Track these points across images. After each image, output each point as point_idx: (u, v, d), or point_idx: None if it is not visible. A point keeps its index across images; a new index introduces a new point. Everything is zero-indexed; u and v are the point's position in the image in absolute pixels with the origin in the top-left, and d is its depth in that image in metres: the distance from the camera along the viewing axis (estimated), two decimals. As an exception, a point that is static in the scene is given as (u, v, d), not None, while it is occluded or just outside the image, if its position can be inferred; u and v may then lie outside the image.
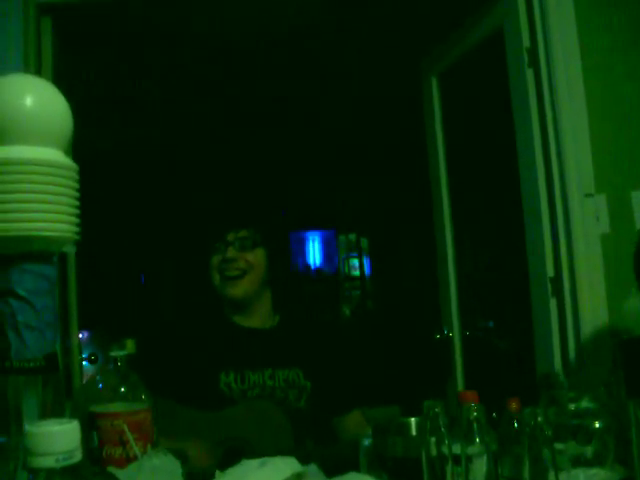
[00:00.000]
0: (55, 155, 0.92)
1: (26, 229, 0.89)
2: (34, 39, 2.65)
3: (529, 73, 2.78)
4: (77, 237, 0.95)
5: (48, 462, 0.65)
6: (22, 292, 0.87)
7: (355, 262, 7.87)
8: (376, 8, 3.94)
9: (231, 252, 2.24)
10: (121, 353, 1.52)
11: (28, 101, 0.92)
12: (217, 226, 2.30)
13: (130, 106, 5.41)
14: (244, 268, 2.24)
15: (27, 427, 0.64)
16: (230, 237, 2.25)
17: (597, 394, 1.29)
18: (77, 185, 0.95)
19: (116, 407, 1.45)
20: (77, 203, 0.96)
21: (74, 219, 0.95)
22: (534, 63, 2.77)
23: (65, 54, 2.90)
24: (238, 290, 2.25)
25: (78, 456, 0.65)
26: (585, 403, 1.24)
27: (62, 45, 2.87)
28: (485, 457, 1.12)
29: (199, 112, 5.65)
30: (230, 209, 2.45)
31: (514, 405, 1.28)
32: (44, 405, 0.89)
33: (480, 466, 1.12)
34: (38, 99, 0.92)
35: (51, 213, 0.90)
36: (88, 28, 3.53)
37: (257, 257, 2.27)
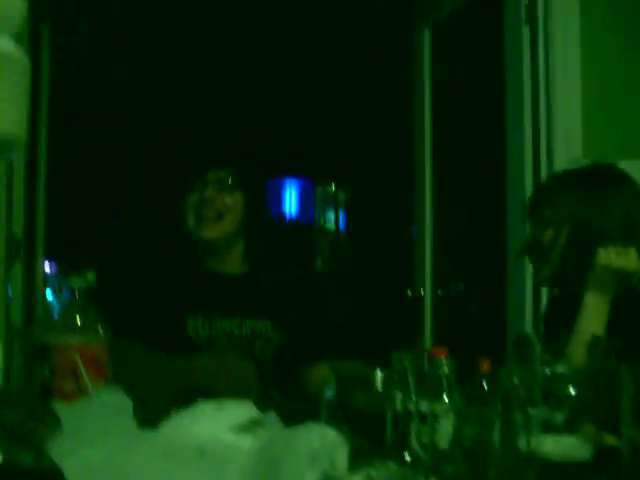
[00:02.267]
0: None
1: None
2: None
3: (525, 30, 2.71)
4: (24, 138, 0.85)
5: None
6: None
7: (331, 215, 7.80)
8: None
9: (210, 191, 2.15)
10: (80, 284, 1.45)
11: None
12: (196, 164, 2.22)
13: (118, 35, 5.28)
14: (221, 210, 2.16)
15: None
16: (210, 176, 2.16)
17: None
18: (26, 80, 0.83)
19: (70, 338, 1.39)
20: (22, 100, 0.83)
21: (21, 116, 0.83)
22: (531, 20, 2.69)
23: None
24: (213, 232, 2.17)
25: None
26: (560, 368, 1.19)
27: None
28: (452, 416, 1.07)
29: (186, 49, 5.53)
30: (211, 148, 2.36)
31: (485, 365, 1.23)
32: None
33: (446, 425, 1.07)
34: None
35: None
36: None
37: (235, 200, 2.19)
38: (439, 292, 3.51)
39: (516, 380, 0.93)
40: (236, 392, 1.83)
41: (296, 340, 2.20)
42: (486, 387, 1.21)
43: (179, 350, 2.01)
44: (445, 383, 1.05)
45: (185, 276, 2.21)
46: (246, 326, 2.15)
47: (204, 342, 2.10)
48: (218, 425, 1.12)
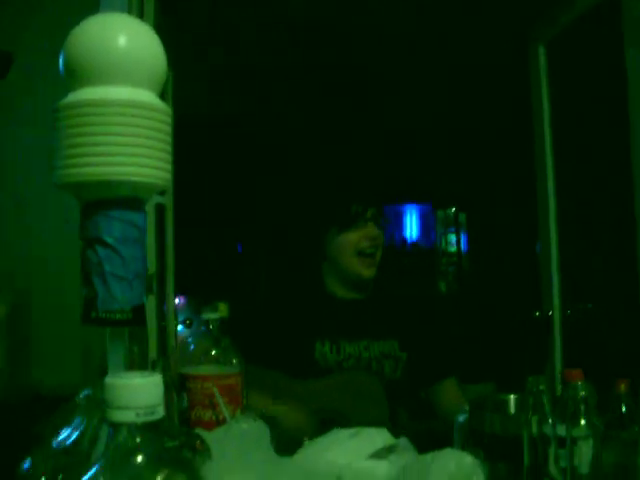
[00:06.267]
0: (147, 97, 0.89)
1: (114, 173, 0.86)
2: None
3: (646, 39, 2.63)
4: (168, 185, 0.91)
5: (128, 416, 0.62)
6: (109, 240, 0.85)
7: (452, 237, 7.73)
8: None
9: (374, 229, 2.20)
10: (213, 316, 1.50)
11: (122, 39, 0.88)
12: (358, 200, 2.23)
13: (246, 73, 5.39)
14: (379, 246, 2.22)
15: (107, 379, 0.62)
16: (369, 214, 2.21)
17: None
18: (169, 130, 0.91)
19: (206, 370, 1.44)
20: (169, 149, 0.92)
21: (165, 165, 0.91)
22: (652, 28, 2.62)
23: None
24: (372, 271, 2.22)
25: (160, 412, 0.62)
26: None
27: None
28: (591, 441, 1.04)
29: (301, 87, 5.61)
30: (367, 185, 2.39)
31: (623, 386, 1.19)
32: (130, 359, 0.87)
33: (585, 450, 1.04)
34: (133, 38, 0.89)
35: (140, 157, 0.86)
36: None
37: (382, 235, 2.24)
38: (567, 312, 3.42)
39: (659, 401, 0.90)
40: (365, 411, 1.85)
41: (424, 357, 2.20)
42: (625, 409, 1.17)
43: (308, 376, 2.05)
44: (582, 406, 1.03)
45: (311, 303, 2.24)
46: (374, 348, 2.16)
47: (333, 367, 2.12)
48: (354, 452, 1.13)
